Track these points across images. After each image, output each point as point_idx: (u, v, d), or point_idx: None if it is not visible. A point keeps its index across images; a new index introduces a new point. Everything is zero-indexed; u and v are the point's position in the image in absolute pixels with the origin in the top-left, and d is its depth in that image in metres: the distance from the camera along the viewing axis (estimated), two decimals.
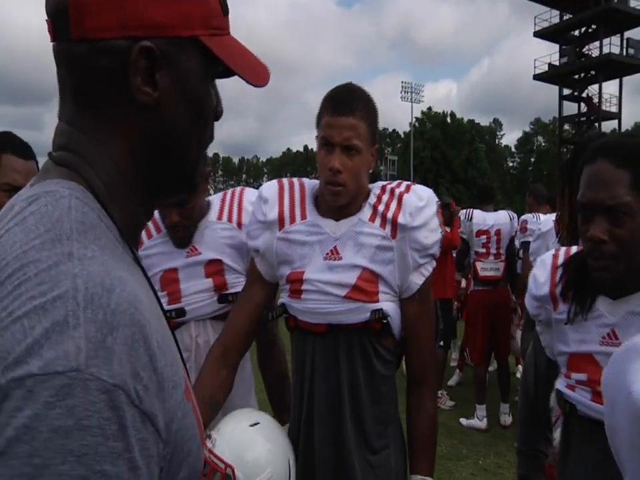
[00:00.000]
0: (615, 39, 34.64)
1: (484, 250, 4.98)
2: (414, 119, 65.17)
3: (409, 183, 1.50)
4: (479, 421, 4.76)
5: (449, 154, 65.66)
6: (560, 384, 1.35)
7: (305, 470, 1.47)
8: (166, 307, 1.67)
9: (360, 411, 1.45)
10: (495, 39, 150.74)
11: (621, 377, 0.84)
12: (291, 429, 1.55)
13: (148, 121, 0.62)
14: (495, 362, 5.39)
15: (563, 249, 1.44)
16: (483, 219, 5.00)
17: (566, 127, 40.68)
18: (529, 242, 4.75)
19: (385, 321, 1.41)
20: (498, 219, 5.01)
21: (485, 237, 5.00)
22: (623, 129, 44.23)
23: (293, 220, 1.49)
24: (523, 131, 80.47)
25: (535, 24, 37.33)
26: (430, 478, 1.48)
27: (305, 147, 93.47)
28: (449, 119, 70.92)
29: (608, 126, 42.54)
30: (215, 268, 1.75)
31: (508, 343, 5.05)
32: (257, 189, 1.75)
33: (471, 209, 5.15)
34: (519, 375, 5.35)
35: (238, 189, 1.88)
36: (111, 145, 0.62)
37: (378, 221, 1.43)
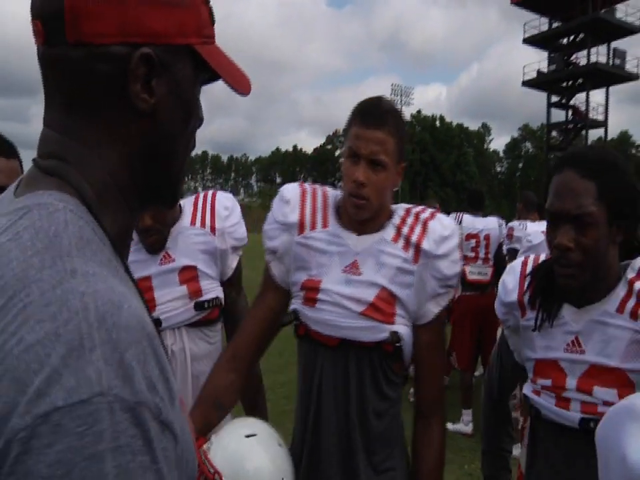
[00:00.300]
0: (602, 49, 35.09)
1: (473, 254, 5.00)
2: None
3: (432, 210, 1.48)
4: (464, 425, 4.77)
5: (438, 157, 66.02)
6: (526, 389, 1.39)
7: None
8: None
9: (368, 428, 1.42)
10: (484, 44, 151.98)
11: (615, 437, 0.85)
12: (295, 440, 1.51)
13: (144, 127, 0.62)
14: (482, 367, 5.42)
15: (532, 256, 1.47)
16: (472, 222, 5.03)
17: (554, 133, 41.07)
18: (516, 249, 4.78)
19: (398, 344, 1.37)
20: (487, 223, 5.05)
21: (474, 240, 5.02)
22: (609, 138, 44.76)
23: (313, 226, 1.46)
24: (511, 136, 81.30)
25: (525, 31, 37.64)
26: None
27: (294, 147, 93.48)
28: (438, 123, 71.30)
29: (594, 134, 43.04)
30: (189, 275, 1.71)
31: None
32: (230, 192, 1.75)
33: (461, 213, 5.17)
34: None
35: (210, 192, 1.85)
36: (107, 151, 0.61)
37: (401, 242, 1.41)
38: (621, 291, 1.27)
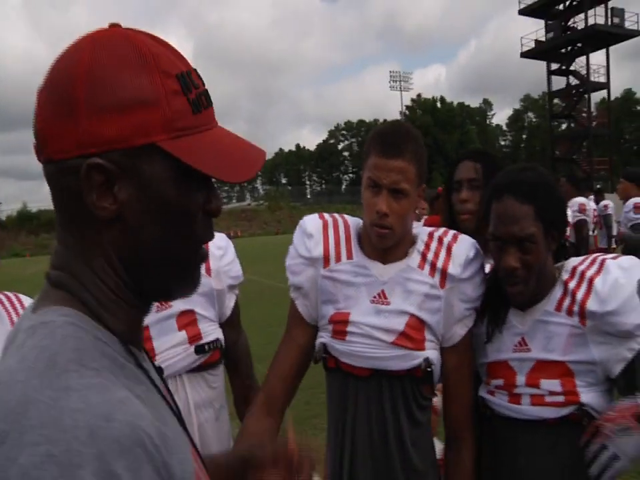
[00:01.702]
0: (600, 10, 34.51)
1: None
2: (404, 108, 65.04)
3: (454, 232, 1.49)
4: None
5: (441, 139, 65.65)
6: (481, 390, 1.49)
7: None
8: None
9: (407, 459, 1.40)
10: (480, 20, 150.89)
11: None
12: (331, 474, 1.47)
13: (116, 233, 0.62)
14: None
15: None
16: None
17: (556, 101, 40.55)
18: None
19: (429, 369, 1.37)
20: None
21: None
22: (612, 98, 44.08)
23: (338, 258, 1.45)
24: (513, 108, 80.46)
25: (520, 1, 37.14)
26: None
27: (297, 146, 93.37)
28: (438, 104, 70.84)
29: (597, 96, 42.42)
30: (187, 319, 1.66)
31: None
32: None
33: None
34: None
35: None
36: (92, 261, 0.63)
37: (427, 268, 1.41)
38: (557, 291, 1.40)
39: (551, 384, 1.37)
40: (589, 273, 1.37)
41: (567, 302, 1.38)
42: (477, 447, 1.49)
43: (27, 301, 1.53)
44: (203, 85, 0.66)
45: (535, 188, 1.36)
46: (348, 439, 1.42)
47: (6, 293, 1.58)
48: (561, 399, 1.36)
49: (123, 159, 0.60)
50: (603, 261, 1.39)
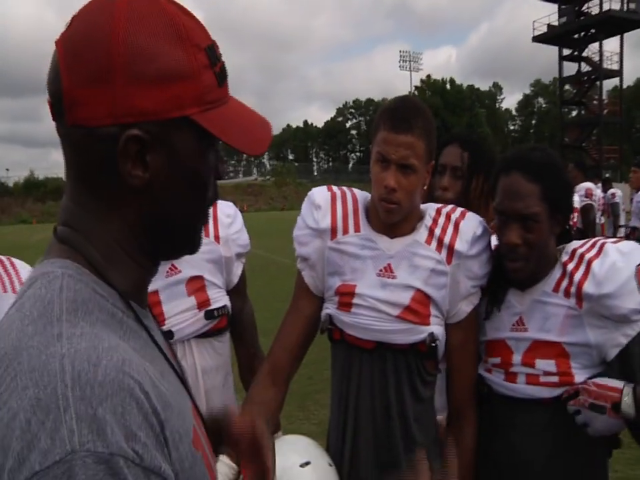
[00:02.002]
0: None
1: None
2: (413, 88, 64.47)
3: (462, 209, 1.48)
4: None
5: (450, 121, 65.11)
6: (480, 368, 1.51)
7: None
8: None
9: (409, 432, 1.41)
10: (493, 1, 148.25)
11: None
12: (333, 447, 1.50)
13: (142, 200, 0.64)
14: None
15: None
16: None
17: (567, 87, 40.14)
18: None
19: (433, 344, 1.38)
20: None
21: None
22: (625, 86, 43.61)
23: (346, 230, 1.45)
24: (523, 93, 79.62)
25: None
26: None
27: (305, 122, 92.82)
28: (448, 86, 70.17)
29: (609, 84, 41.95)
30: (196, 285, 1.68)
31: None
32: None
33: None
34: None
35: None
36: (109, 223, 0.64)
37: (434, 244, 1.40)
38: (557, 272, 1.41)
39: (546, 364, 1.38)
40: (588, 256, 1.37)
41: (564, 283, 1.38)
42: (476, 430, 1.49)
43: (21, 265, 1.56)
44: (221, 56, 0.67)
45: (543, 168, 1.36)
46: (351, 413, 1.43)
47: (0, 256, 1.59)
48: (555, 379, 1.37)
49: (157, 129, 0.61)
50: (603, 244, 1.39)
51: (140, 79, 0.59)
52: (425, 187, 1.42)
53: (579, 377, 1.36)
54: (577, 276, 1.36)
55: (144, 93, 0.59)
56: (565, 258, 1.41)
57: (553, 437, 1.40)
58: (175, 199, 0.65)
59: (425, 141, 1.34)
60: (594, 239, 1.44)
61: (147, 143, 0.61)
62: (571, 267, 1.39)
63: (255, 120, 0.70)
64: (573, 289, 1.37)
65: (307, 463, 1.34)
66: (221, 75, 0.66)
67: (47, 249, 0.66)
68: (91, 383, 0.50)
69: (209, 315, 1.69)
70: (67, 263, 0.61)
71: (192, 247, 0.73)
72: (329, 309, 1.46)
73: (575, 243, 1.44)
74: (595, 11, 34.41)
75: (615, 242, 1.41)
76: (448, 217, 1.43)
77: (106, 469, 0.48)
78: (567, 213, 1.42)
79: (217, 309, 1.70)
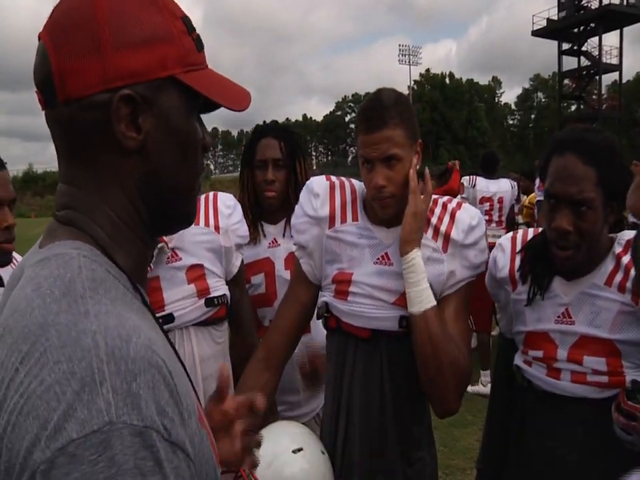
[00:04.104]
0: None
1: (486, 217, 5.00)
2: (412, 82, 64.28)
3: (459, 200, 1.51)
4: (483, 387, 4.83)
5: (449, 115, 64.99)
6: (517, 359, 1.43)
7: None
8: None
9: (403, 420, 1.42)
10: None
11: None
12: (326, 435, 1.52)
13: (137, 164, 0.66)
14: (498, 327, 5.43)
15: (521, 231, 1.52)
16: (486, 186, 5.04)
17: (566, 81, 40.07)
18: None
19: None
20: (500, 186, 5.05)
21: (488, 204, 5.03)
22: (624, 81, 43.49)
23: (344, 219, 1.47)
24: (522, 87, 79.35)
25: None
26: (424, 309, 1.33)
27: (304, 116, 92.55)
28: (447, 80, 69.95)
29: (608, 78, 41.87)
30: (196, 273, 1.71)
31: None
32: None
33: (475, 176, 5.16)
34: None
35: (211, 193, 1.85)
36: (107, 195, 0.66)
37: (430, 232, 1.42)
38: (609, 264, 1.31)
39: (595, 362, 1.29)
40: None
41: (618, 277, 1.29)
42: (508, 417, 1.45)
43: (20, 259, 1.60)
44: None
45: (601, 151, 1.26)
46: (344, 401, 1.44)
47: None
48: (604, 379, 1.28)
49: (146, 91, 0.64)
50: None
51: (127, 43, 0.63)
52: (417, 166, 1.40)
53: (631, 377, 1.27)
54: (634, 270, 1.25)
55: (131, 56, 0.63)
56: (618, 249, 1.32)
57: (593, 437, 1.31)
58: (169, 162, 0.68)
59: (402, 127, 1.35)
60: None
61: (137, 105, 0.63)
62: (626, 259, 1.29)
63: (233, 83, 0.75)
64: (628, 284, 1.28)
65: (300, 449, 1.34)
66: (199, 42, 0.70)
67: (47, 233, 0.67)
68: (125, 359, 0.52)
69: (209, 303, 1.71)
70: (78, 244, 0.63)
71: (187, 217, 0.75)
72: (326, 296, 1.48)
73: (629, 233, 1.34)
74: (594, 5, 34.34)
75: None
76: (444, 206, 1.45)
77: (141, 442, 0.49)
78: (623, 200, 1.32)
79: (217, 297, 1.73)
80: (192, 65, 0.68)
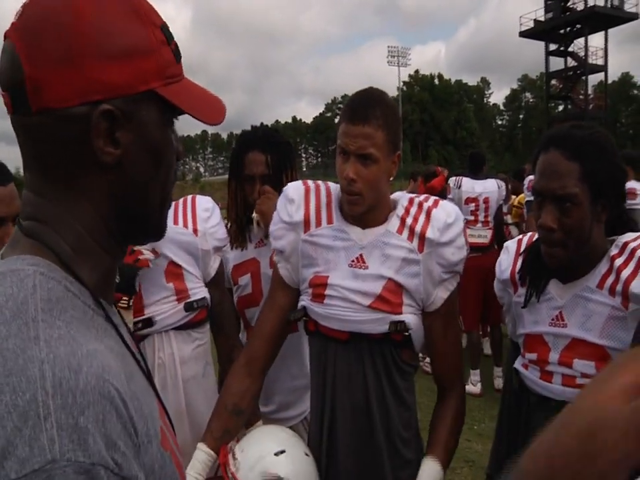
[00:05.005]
0: None
1: (472, 217, 5.00)
2: (401, 83, 64.43)
3: (436, 197, 1.48)
4: (473, 386, 4.85)
5: (438, 116, 65.26)
6: (517, 363, 1.43)
7: None
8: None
9: (389, 422, 1.42)
10: None
11: None
12: (312, 438, 1.52)
13: (112, 179, 0.64)
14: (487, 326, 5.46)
15: (528, 234, 1.50)
16: (471, 186, 5.01)
17: (553, 82, 40.39)
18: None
19: (406, 334, 1.38)
20: (486, 187, 5.02)
21: (473, 204, 5.02)
22: (610, 81, 43.87)
23: (319, 223, 1.47)
24: (510, 88, 79.80)
25: None
26: (440, 467, 1.40)
27: (294, 118, 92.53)
28: (436, 81, 70.20)
29: (595, 79, 42.23)
30: (174, 272, 1.71)
31: (499, 307, 5.09)
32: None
33: (460, 177, 5.15)
34: None
35: (189, 197, 1.85)
36: (75, 207, 0.63)
37: (406, 233, 1.40)
38: (603, 267, 1.28)
39: (584, 365, 1.27)
40: None
41: (610, 280, 1.25)
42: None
43: None
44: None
45: (585, 146, 1.23)
46: (327, 404, 1.44)
47: None
48: None
49: (125, 105, 0.62)
50: None
51: (106, 56, 0.60)
52: (392, 178, 1.42)
53: None
54: (625, 273, 1.22)
55: (110, 69, 0.60)
56: (614, 251, 1.28)
57: None
58: (143, 176, 0.66)
59: (384, 131, 1.34)
60: None
61: (116, 120, 0.61)
62: (619, 262, 1.25)
63: (209, 95, 0.73)
64: (619, 287, 1.23)
65: (282, 452, 1.35)
66: (177, 52, 0.68)
67: (10, 243, 0.64)
68: (72, 391, 0.49)
69: (189, 307, 1.72)
70: (37, 259, 0.60)
71: (159, 229, 0.73)
72: (304, 300, 1.48)
73: (628, 235, 1.29)
74: (580, 6, 34.60)
75: None
76: (420, 205, 1.43)
77: (86, 479, 0.47)
78: (615, 197, 1.26)
79: (196, 301, 1.74)
80: (171, 77, 0.66)
